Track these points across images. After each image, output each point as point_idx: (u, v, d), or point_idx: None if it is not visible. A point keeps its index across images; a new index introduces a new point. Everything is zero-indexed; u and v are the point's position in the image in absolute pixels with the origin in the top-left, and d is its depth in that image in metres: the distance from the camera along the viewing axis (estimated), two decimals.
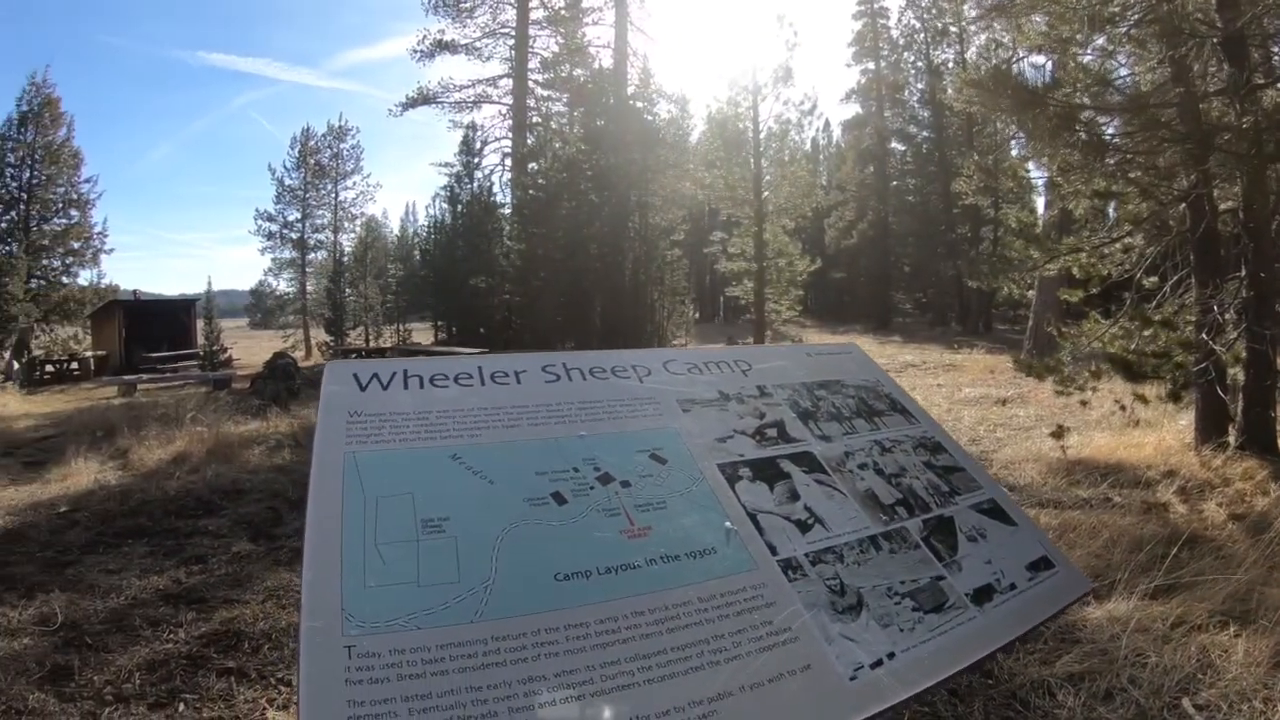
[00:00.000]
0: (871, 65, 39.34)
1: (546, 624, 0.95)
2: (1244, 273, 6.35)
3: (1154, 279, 7.32)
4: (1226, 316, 6.42)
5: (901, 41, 38.66)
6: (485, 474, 1.11)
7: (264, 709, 3.16)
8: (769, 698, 0.95)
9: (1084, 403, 7.75)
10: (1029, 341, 16.08)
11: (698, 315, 40.44)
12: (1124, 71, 8.06)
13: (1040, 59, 9.88)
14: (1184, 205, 6.72)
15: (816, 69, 51.85)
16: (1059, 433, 7.29)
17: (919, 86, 37.96)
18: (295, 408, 12.11)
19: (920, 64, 37.58)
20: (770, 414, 1.44)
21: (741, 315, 33.02)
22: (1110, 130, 7.29)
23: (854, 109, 41.64)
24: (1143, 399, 7.30)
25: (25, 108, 24.21)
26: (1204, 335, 6.36)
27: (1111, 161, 7.05)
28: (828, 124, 51.91)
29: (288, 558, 5.15)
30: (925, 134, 38.00)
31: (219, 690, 3.31)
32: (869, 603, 1.13)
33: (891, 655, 1.06)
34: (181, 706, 3.18)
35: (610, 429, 1.29)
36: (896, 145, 40.02)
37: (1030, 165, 9.10)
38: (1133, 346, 6.70)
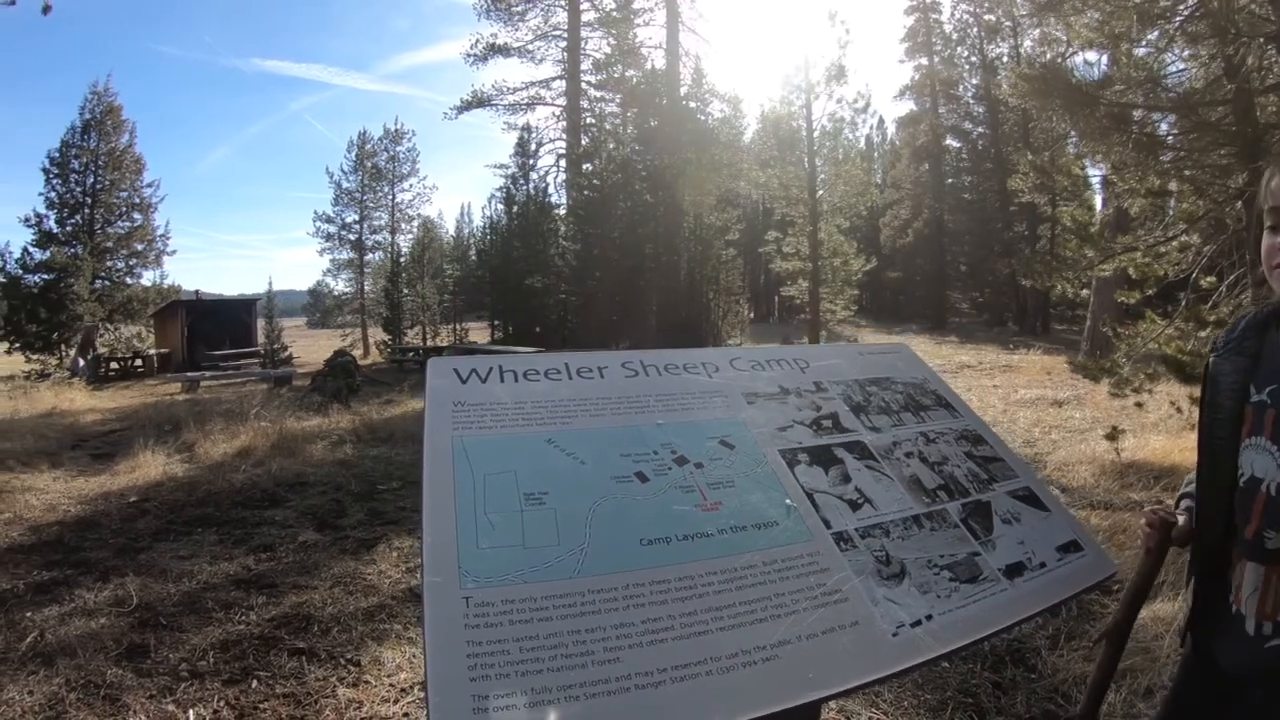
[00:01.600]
0: (925, 61, 38.74)
1: (634, 580, 1.12)
2: None
3: (1211, 278, 7.20)
4: None
5: (955, 36, 38.02)
6: (577, 455, 1.29)
7: (334, 686, 3.36)
8: (822, 647, 1.10)
9: (1139, 405, 7.67)
10: (1086, 343, 15.81)
11: (752, 314, 40.29)
12: (1178, 67, 7.93)
13: (1093, 55, 9.76)
14: (1239, 203, 6.63)
15: (870, 66, 51.16)
16: (1113, 435, 7.22)
17: (973, 82, 37.32)
18: (356, 404, 12.47)
19: (974, 59, 36.92)
20: (826, 407, 1.60)
21: (796, 315, 32.93)
22: (1164, 127, 7.20)
23: (908, 106, 41.11)
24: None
25: (88, 115, 25.34)
26: None
27: (1166, 159, 6.96)
28: (881, 121, 51.34)
29: (353, 547, 5.38)
30: (981, 130, 37.32)
31: (290, 669, 3.52)
32: (911, 572, 1.28)
33: (930, 617, 1.21)
34: (254, 683, 3.39)
35: (684, 418, 1.46)
36: (952, 142, 39.38)
37: (1086, 162, 9.00)
38: (1188, 347, 6.62)
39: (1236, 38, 6.39)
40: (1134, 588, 1.60)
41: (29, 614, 4.13)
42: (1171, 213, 7.95)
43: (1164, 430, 8.07)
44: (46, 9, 9.38)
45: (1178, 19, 7.00)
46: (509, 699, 0.94)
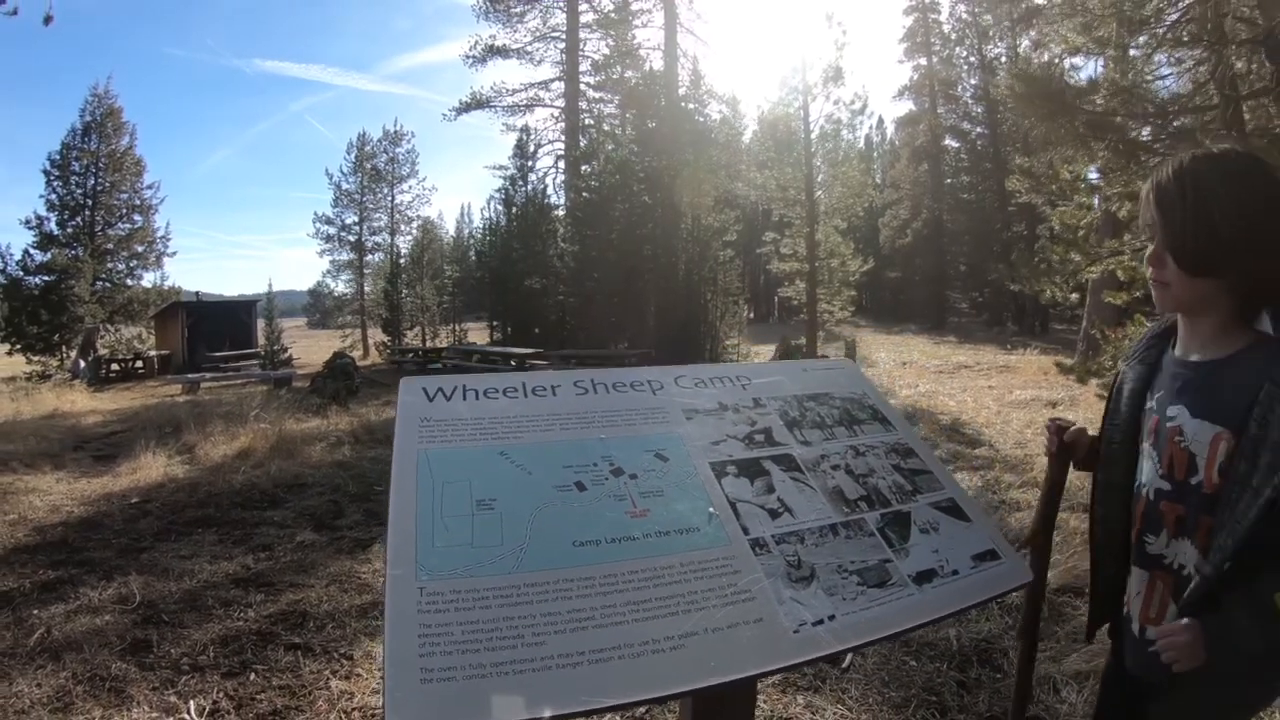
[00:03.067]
0: (923, 61, 38.79)
1: (564, 576, 1.28)
2: None
3: None
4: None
5: (953, 36, 38.02)
6: (525, 467, 1.45)
7: (328, 679, 3.51)
8: (726, 639, 1.26)
9: None
10: (1082, 343, 15.89)
11: (751, 315, 40.35)
12: (1165, 71, 8.03)
13: (1080, 60, 9.84)
14: None
15: (868, 66, 51.44)
16: None
17: (972, 82, 37.34)
18: (354, 406, 12.60)
19: (973, 59, 36.94)
20: (761, 422, 1.73)
21: (795, 315, 32.96)
22: (1146, 133, 7.30)
23: (907, 106, 41.18)
24: None
25: (89, 118, 25.46)
26: None
27: (1151, 164, 7.06)
28: (880, 121, 51.41)
29: (349, 547, 5.52)
30: (979, 130, 37.34)
31: (286, 663, 3.67)
32: (820, 576, 1.41)
33: (832, 617, 1.35)
34: (252, 676, 3.53)
35: (625, 433, 1.60)
36: (950, 142, 39.35)
37: (1078, 167, 9.08)
38: None
39: (1219, 43, 6.49)
40: (1045, 490, 1.79)
41: (36, 611, 4.28)
42: None
43: None
44: (48, 19, 9.52)
45: (1164, 26, 7.10)
46: (451, 672, 1.10)
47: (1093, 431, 1.74)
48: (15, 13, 9.40)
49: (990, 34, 34.69)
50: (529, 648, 1.15)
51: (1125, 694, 1.60)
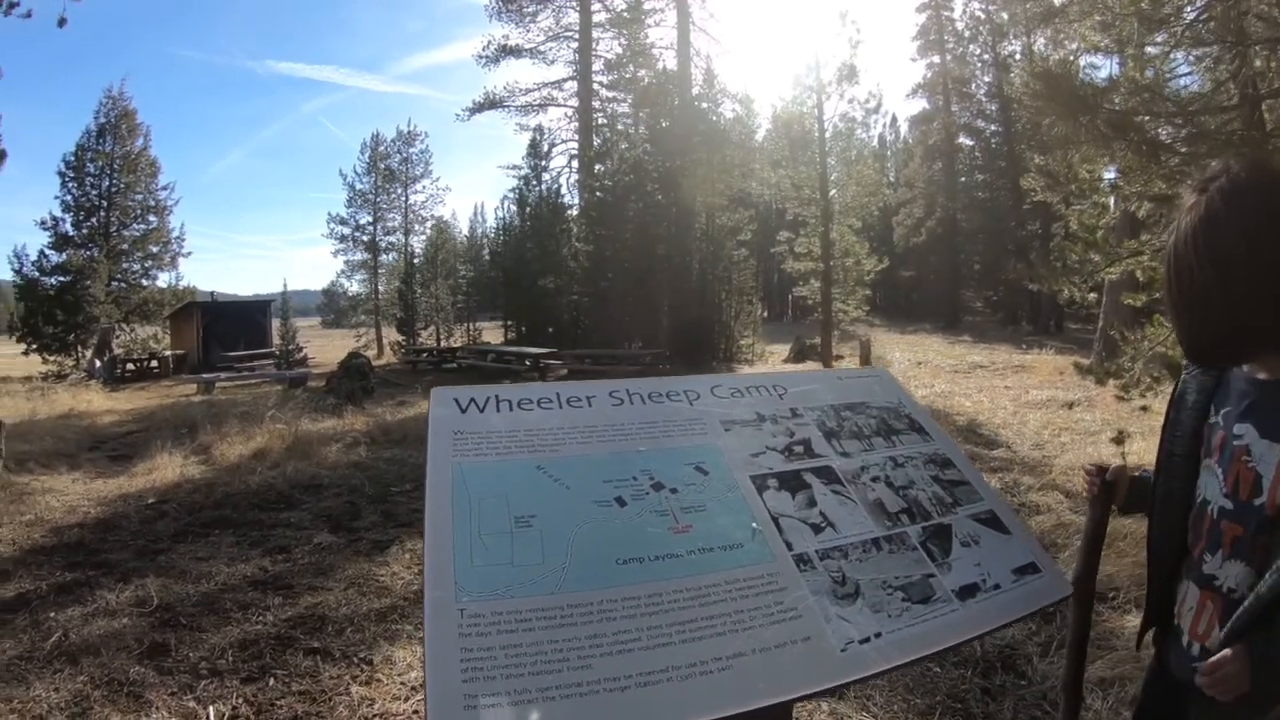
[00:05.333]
0: (937, 59, 38.52)
1: (608, 596, 1.25)
2: None
3: None
4: None
5: (967, 34, 37.74)
6: (563, 481, 1.42)
7: (348, 684, 3.49)
8: (773, 660, 1.23)
9: (1145, 409, 7.69)
10: (1099, 343, 15.73)
11: (765, 314, 40.19)
12: (1184, 69, 7.93)
13: (1099, 59, 9.72)
14: None
15: (881, 63, 51.22)
16: (1120, 439, 7.26)
17: (986, 80, 37.07)
18: (370, 406, 12.61)
19: (987, 56, 36.67)
20: (799, 433, 1.71)
21: (810, 314, 32.83)
22: (1167, 132, 7.19)
23: (920, 104, 40.90)
24: None
25: (103, 119, 25.62)
26: None
27: (1173, 162, 6.96)
28: (894, 119, 51.11)
29: (367, 549, 5.50)
30: (994, 128, 37.07)
31: (306, 668, 3.64)
32: (865, 592, 1.39)
33: (878, 635, 1.33)
34: (271, 681, 3.51)
35: (663, 445, 1.58)
36: (964, 140, 39.06)
37: (1095, 165, 8.97)
38: None
39: (1238, 43, 6.40)
40: (1088, 537, 1.70)
41: (53, 614, 4.27)
42: None
43: None
44: (62, 22, 9.57)
45: (1183, 24, 7.01)
46: (495, 699, 1.08)
47: (1133, 460, 1.69)
48: (29, 15, 9.45)
49: (1005, 31, 34.43)
50: (575, 671, 1.12)
51: (1168, 699, 1.56)
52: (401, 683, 3.51)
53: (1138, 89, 6.99)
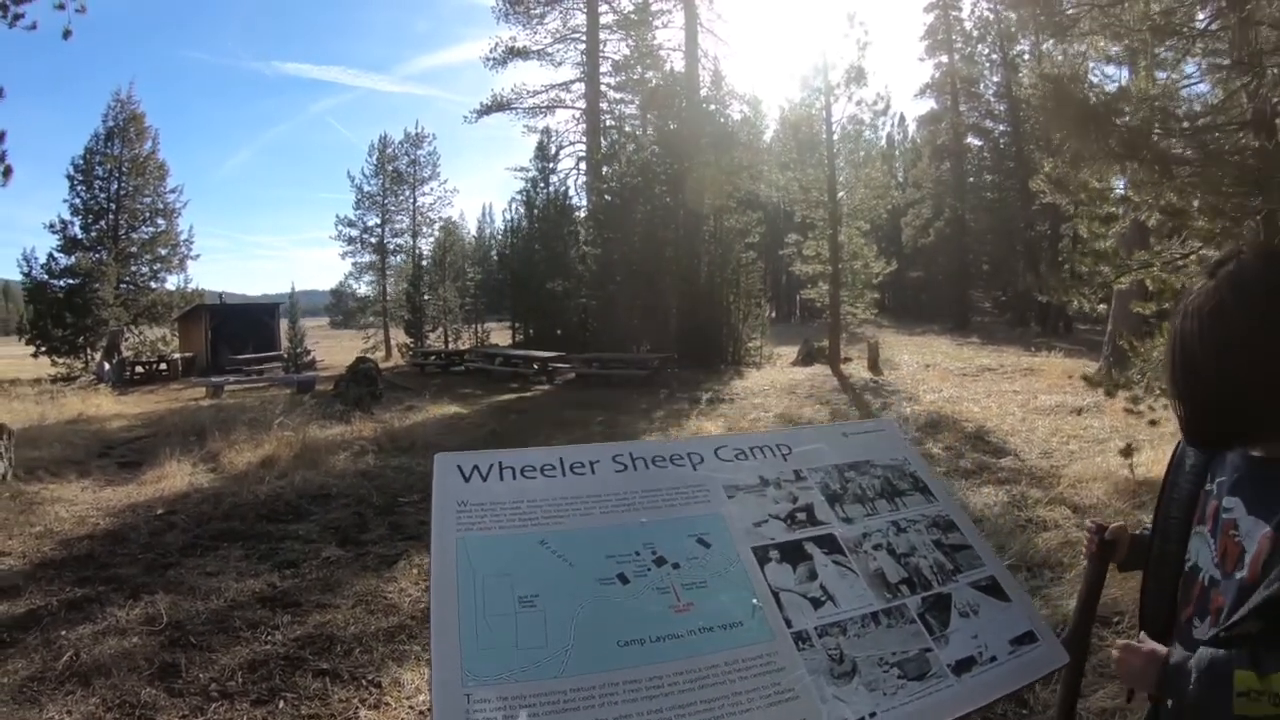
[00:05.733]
0: (945, 59, 38.36)
1: (610, 680, 1.27)
2: None
3: None
4: None
5: (975, 34, 37.58)
6: (566, 557, 1.44)
7: (356, 708, 3.53)
8: None
9: (1153, 422, 7.66)
10: (1107, 347, 15.63)
11: (773, 316, 40.19)
12: (1195, 74, 7.90)
13: (1111, 70, 9.69)
14: (1259, 218, 6.57)
15: (890, 63, 51.03)
16: (1128, 451, 7.23)
17: (994, 80, 36.92)
18: (378, 411, 12.67)
19: (995, 56, 36.53)
20: (802, 498, 1.72)
21: (818, 315, 32.80)
22: (1179, 145, 7.17)
23: (929, 104, 40.80)
24: None
25: (112, 123, 25.93)
26: None
27: (1185, 174, 6.93)
28: (902, 119, 50.87)
29: (375, 564, 5.54)
30: (1002, 129, 36.88)
31: (315, 690, 3.68)
32: (861, 670, 1.40)
33: (874, 714, 1.34)
34: (281, 704, 3.55)
35: (666, 515, 1.60)
36: (973, 140, 38.88)
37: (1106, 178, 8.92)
38: None
39: (1258, 63, 6.37)
40: (1083, 593, 1.72)
41: (64, 633, 4.33)
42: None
43: None
44: (67, 34, 9.68)
45: (1195, 34, 6.98)
46: None
47: (1131, 527, 1.70)
48: (34, 27, 9.57)
49: (1013, 33, 34.26)
50: None
51: None
52: (410, 706, 3.54)
53: (1145, 99, 6.96)
